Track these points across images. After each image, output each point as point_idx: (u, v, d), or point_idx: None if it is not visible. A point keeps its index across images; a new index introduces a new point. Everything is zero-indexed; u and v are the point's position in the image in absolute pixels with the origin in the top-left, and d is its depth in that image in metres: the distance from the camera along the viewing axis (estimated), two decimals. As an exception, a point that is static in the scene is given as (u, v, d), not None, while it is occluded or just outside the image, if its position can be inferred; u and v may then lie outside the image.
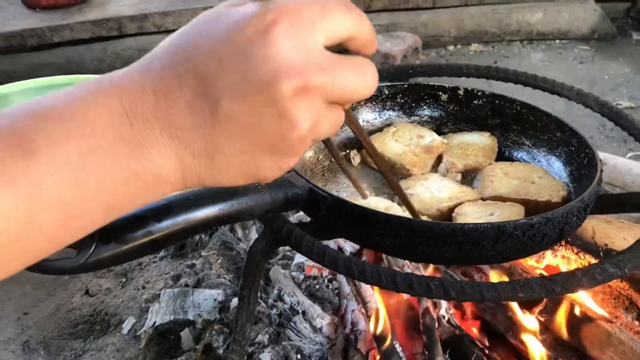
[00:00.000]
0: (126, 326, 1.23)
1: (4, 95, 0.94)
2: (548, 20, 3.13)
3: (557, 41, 3.16)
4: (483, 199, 0.95)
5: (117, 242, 0.67)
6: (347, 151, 1.12)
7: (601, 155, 1.63)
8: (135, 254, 0.69)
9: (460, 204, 0.94)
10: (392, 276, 0.70)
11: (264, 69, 0.40)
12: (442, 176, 1.04)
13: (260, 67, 0.40)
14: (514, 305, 1.09)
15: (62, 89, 0.94)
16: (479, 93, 1.18)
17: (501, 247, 0.75)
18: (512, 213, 0.89)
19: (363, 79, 0.47)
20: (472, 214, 0.89)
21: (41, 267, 0.63)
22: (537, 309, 1.10)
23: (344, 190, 1.02)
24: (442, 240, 0.75)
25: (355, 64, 0.46)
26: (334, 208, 0.79)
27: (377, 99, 1.19)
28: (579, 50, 3.06)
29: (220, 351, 1.00)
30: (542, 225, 0.75)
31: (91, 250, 0.65)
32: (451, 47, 3.12)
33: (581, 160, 0.98)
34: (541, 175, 0.99)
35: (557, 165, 1.04)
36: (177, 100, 0.40)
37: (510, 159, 1.11)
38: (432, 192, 0.97)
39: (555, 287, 0.69)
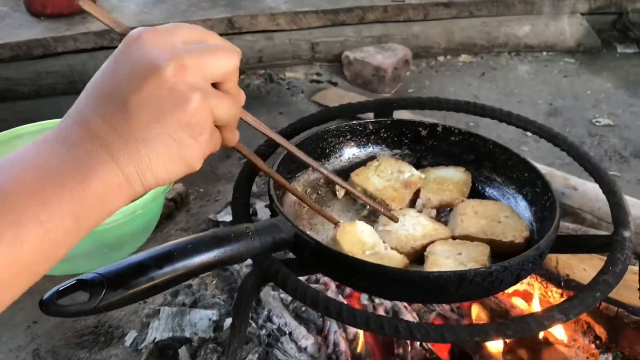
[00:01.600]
0: (128, 339, 1.31)
1: (17, 136, 1.02)
2: (535, 33, 3.20)
3: (544, 53, 3.23)
4: (454, 238, 1.03)
5: (124, 288, 0.75)
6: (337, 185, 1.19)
7: (573, 180, 1.72)
8: (140, 297, 0.78)
9: (432, 241, 1.02)
10: (366, 318, 0.79)
11: (146, 61, 0.53)
12: (418, 212, 1.12)
13: (143, 62, 0.53)
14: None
15: None
16: (456, 130, 1.25)
17: (463, 291, 0.84)
18: (478, 253, 0.97)
19: (223, 52, 0.59)
20: (442, 253, 0.98)
21: (59, 312, 0.71)
22: (504, 332, 1.19)
23: (329, 223, 1.10)
24: (411, 285, 0.84)
25: (212, 45, 0.59)
26: (316, 252, 0.88)
27: (361, 134, 1.27)
28: (565, 63, 3.13)
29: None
30: (500, 273, 0.84)
31: (101, 295, 0.73)
32: (441, 58, 3.19)
33: (544, 202, 1.05)
34: (508, 215, 1.07)
35: (523, 204, 1.12)
36: (94, 118, 0.52)
37: (483, 194, 1.19)
38: (407, 230, 1.05)
39: (507, 331, 0.78)
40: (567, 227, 1.41)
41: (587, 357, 1.18)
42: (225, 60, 0.59)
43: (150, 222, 0.94)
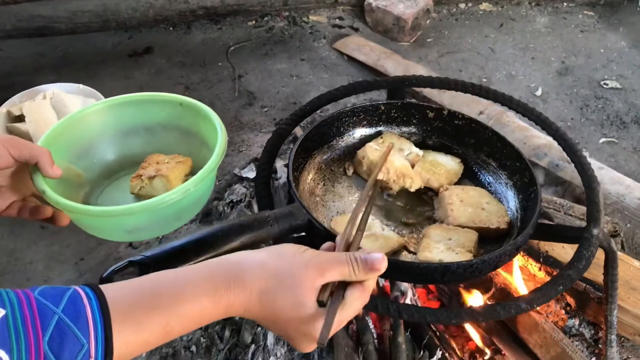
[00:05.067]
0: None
1: (84, 115, 1.12)
2: (558, -17, 3.13)
3: (565, 4, 3.18)
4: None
5: (165, 267, 0.89)
6: (347, 163, 1.30)
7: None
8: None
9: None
10: (363, 298, 0.93)
11: (304, 345, 0.68)
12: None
13: (302, 344, 0.68)
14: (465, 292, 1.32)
15: (138, 107, 1.09)
16: (460, 115, 1.33)
17: (447, 277, 0.97)
18: (466, 239, 1.08)
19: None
20: (434, 237, 1.09)
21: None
22: (486, 295, 1.33)
23: (339, 199, 1.22)
24: (404, 271, 0.97)
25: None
26: (325, 237, 1.00)
27: (373, 114, 1.36)
28: (583, 16, 3.09)
29: (237, 317, 1.26)
30: (480, 265, 0.96)
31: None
32: (462, 5, 3.16)
33: (529, 193, 1.15)
34: (488, 201, 1.17)
35: (512, 191, 1.22)
36: (254, 315, 0.67)
37: (477, 176, 1.29)
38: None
39: (479, 317, 0.91)
40: (555, 201, 1.51)
41: (557, 321, 1.32)
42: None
43: (204, 194, 1.04)
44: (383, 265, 0.69)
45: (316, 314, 0.66)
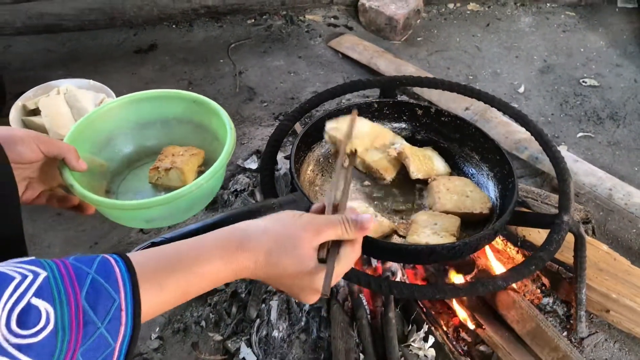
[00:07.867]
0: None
1: (105, 111, 1.19)
2: (542, -15, 3.21)
3: (548, 5, 3.26)
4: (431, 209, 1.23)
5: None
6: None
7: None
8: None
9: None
10: (358, 276, 1.02)
11: (308, 297, 0.78)
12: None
13: (307, 296, 0.77)
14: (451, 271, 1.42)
15: (154, 103, 1.16)
16: (446, 113, 1.42)
17: (433, 258, 1.06)
18: (450, 224, 1.18)
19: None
20: (421, 222, 1.18)
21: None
22: (469, 276, 1.42)
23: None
24: (394, 252, 1.06)
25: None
26: (325, 222, 1.09)
27: (367, 111, 1.44)
28: (565, 16, 3.17)
29: (243, 295, 1.35)
30: (462, 247, 1.05)
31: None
32: (451, 5, 3.24)
33: (508, 184, 1.25)
34: (472, 189, 1.27)
35: (493, 181, 1.31)
36: (261, 275, 0.74)
37: (462, 168, 1.38)
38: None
39: (461, 292, 1.01)
40: (533, 191, 1.61)
41: (533, 300, 1.42)
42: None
43: (215, 187, 1.11)
44: (371, 225, 0.78)
45: (317, 268, 0.74)
